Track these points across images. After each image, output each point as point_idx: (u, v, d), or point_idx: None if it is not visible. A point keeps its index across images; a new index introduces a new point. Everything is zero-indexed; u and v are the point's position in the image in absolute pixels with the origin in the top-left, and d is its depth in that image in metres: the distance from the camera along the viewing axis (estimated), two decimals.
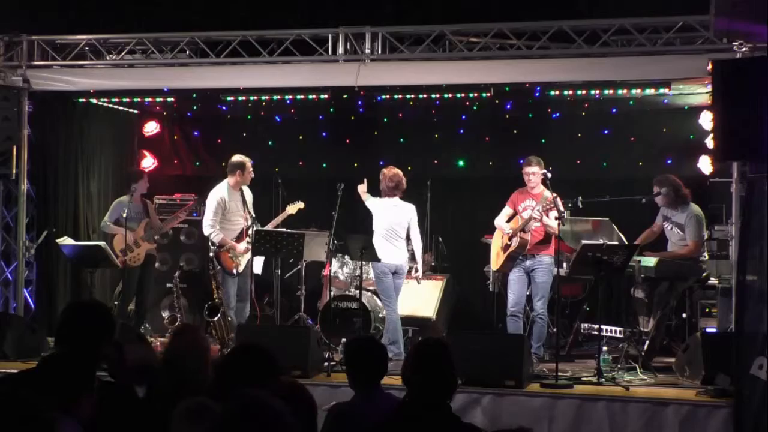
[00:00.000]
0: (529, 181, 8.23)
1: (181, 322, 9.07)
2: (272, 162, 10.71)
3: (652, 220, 8.56)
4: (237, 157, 8.73)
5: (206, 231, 8.64)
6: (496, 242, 8.50)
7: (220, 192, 8.63)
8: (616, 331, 8.08)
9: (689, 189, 8.36)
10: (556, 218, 7.71)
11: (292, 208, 9.03)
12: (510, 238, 8.20)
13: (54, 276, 9.63)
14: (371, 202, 8.60)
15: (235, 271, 8.59)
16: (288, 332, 8.18)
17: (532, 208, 8.06)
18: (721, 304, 8.01)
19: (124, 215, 8.87)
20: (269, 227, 8.76)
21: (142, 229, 9.22)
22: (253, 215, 8.70)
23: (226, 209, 8.60)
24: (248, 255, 8.60)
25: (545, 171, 8.00)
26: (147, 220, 9.32)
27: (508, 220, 8.35)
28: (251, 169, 8.70)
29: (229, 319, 8.47)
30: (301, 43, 8.76)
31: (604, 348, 7.69)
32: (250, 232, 8.57)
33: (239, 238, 8.65)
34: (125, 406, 3.59)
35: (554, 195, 7.85)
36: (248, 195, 8.79)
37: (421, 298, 9.35)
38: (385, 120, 10.89)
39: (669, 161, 9.78)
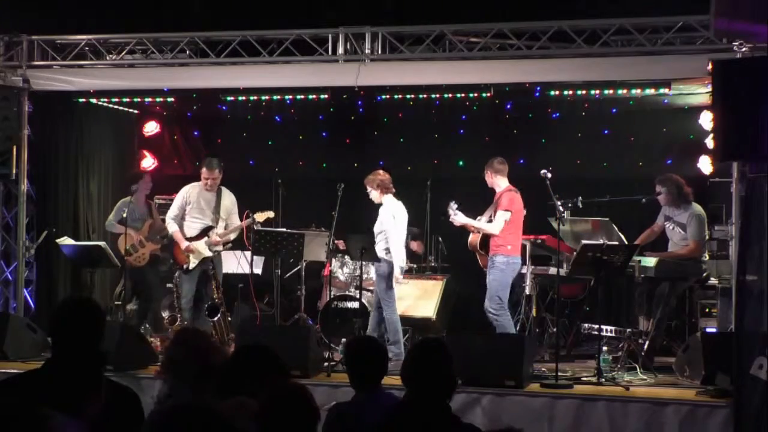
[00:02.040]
0: None
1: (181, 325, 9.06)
2: (272, 162, 10.71)
3: (653, 220, 8.56)
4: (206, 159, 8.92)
5: (166, 221, 8.86)
6: None
7: (189, 187, 8.83)
8: (616, 331, 8.08)
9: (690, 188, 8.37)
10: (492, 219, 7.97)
11: (260, 216, 8.70)
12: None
13: (54, 276, 9.64)
14: (391, 208, 8.30)
15: (185, 267, 8.67)
16: (288, 332, 8.19)
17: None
18: (721, 304, 8.03)
19: (124, 215, 8.90)
20: (229, 231, 8.74)
21: (147, 229, 9.25)
22: (228, 222, 8.76)
23: (188, 204, 8.73)
24: (199, 257, 8.65)
25: (548, 172, 7.86)
26: (151, 220, 9.34)
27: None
28: (215, 176, 8.63)
29: (183, 318, 8.66)
30: (301, 43, 8.76)
31: (604, 348, 7.70)
32: (215, 231, 8.68)
33: (196, 238, 8.71)
34: (132, 407, 3.58)
35: (557, 197, 7.85)
36: (227, 200, 8.80)
37: (421, 298, 9.35)
38: (385, 120, 10.88)
39: (669, 161, 9.78)
